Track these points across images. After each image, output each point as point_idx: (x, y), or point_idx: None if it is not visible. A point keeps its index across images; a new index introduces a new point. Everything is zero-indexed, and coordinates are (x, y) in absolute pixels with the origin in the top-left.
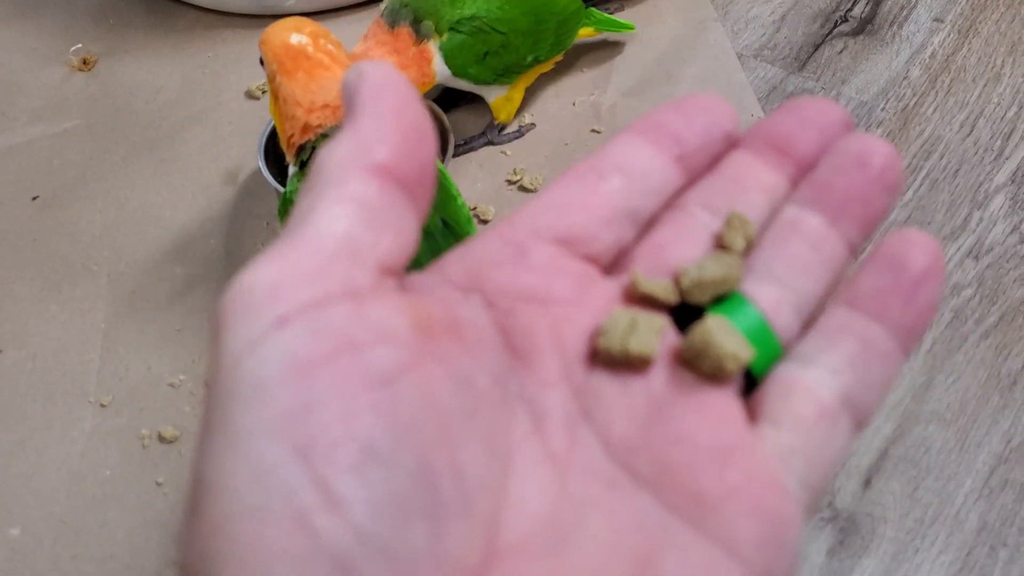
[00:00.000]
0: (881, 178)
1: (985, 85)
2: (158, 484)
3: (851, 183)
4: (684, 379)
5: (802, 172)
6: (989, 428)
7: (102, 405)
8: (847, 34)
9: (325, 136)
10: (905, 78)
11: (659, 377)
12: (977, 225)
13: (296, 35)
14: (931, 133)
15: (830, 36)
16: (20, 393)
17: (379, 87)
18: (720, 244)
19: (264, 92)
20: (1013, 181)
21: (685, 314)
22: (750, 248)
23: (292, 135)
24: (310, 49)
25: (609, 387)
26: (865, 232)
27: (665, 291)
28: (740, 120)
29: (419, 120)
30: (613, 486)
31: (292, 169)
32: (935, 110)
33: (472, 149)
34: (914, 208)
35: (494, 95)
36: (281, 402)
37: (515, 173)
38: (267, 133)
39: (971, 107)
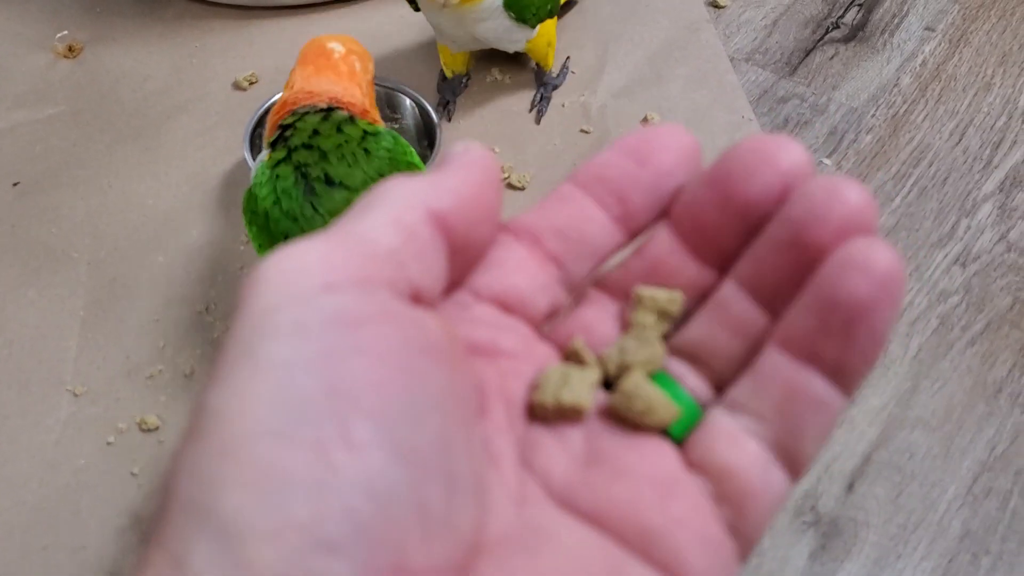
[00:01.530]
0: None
1: (975, 94)
2: (133, 475)
3: (788, 267)
4: (617, 428)
5: (725, 258)
6: (974, 435)
7: (75, 395)
8: (838, 40)
9: (296, 114)
10: (896, 85)
11: (593, 427)
12: (965, 233)
13: (335, 44)
14: (920, 141)
15: (822, 42)
16: None
17: (475, 159)
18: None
19: (251, 84)
20: (1001, 190)
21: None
22: (669, 318)
23: (275, 114)
24: (335, 56)
25: (546, 438)
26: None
27: (595, 362)
28: (700, 155)
29: (494, 200)
30: (560, 524)
31: (263, 153)
32: (925, 118)
33: (547, 100)
34: (902, 215)
35: (524, 42)
36: (321, 343)
37: (503, 171)
38: (253, 124)
39: (961, 116)
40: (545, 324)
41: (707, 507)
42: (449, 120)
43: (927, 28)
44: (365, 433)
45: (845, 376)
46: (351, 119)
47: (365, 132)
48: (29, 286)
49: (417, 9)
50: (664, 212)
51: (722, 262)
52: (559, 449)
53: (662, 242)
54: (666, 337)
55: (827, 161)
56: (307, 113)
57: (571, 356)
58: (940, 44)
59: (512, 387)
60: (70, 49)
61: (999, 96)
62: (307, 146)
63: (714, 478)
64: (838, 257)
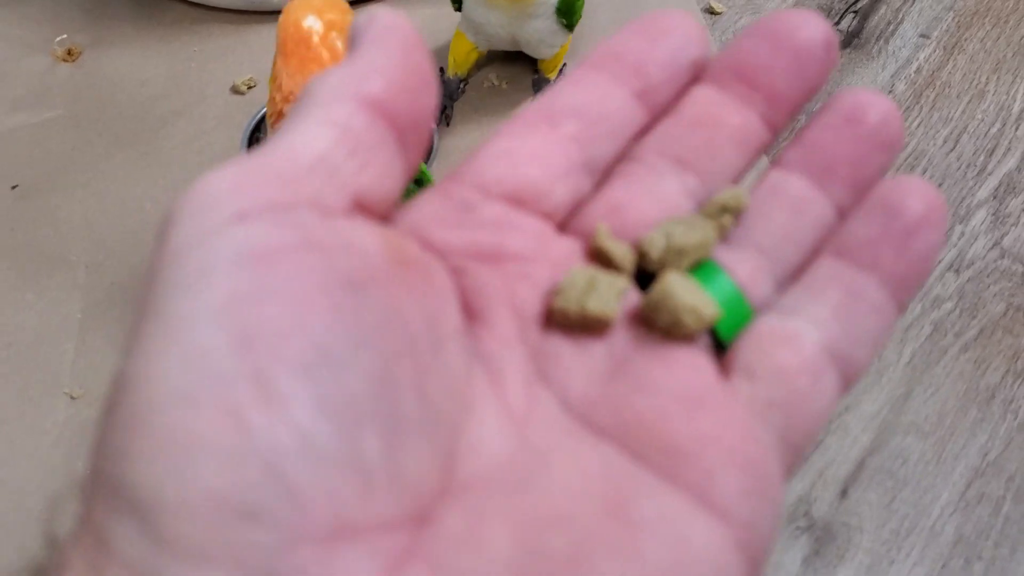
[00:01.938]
0: (875, 135)
1: (969, 101)
2: None
3: (840, 142)
4: (646, 338)
5: (776, 106)
6: (967, 441)
7: (73, 398)
8: None
9: None
10: (890, 92)
11: (620, 337)
12: (959, 239)
13: (311, 19)
14: (915, 147)
15: None
16: None
17: (388, 28)
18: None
19: (249, 88)
20: (995, 197)
21: (650, 281)
22: (730, 217)
23: (271, 117)
24: (315, 39)
25: (566, 350)
26: (857, 194)
27: (624, 256)
28: (709, 39)
29: (423, 65)
30: (575, 438)
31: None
32: (919, 125)
33: None
34: None
35: (558, 47)
36: (228, 287)
37: None
38: (251, 128)
39: (955, 123)
40: (572, 214)
41: (745, 422)
42: (448, 125)
43: (922, 35)
44: (283, 386)
45: (900, 286)
46: None
47: None
48: (27, 289)
49: (459, 8)
50: (684, 88)
51: (772, 112)
52: (580, 361)
53: (702, 96)
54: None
55: None
56: None
57: (596, 251)
58: (935, 51)
59: (523, 293)
60: (69, 53)
61: (993, 103)
62: None
63: (764, 382)
64: (894, 180)
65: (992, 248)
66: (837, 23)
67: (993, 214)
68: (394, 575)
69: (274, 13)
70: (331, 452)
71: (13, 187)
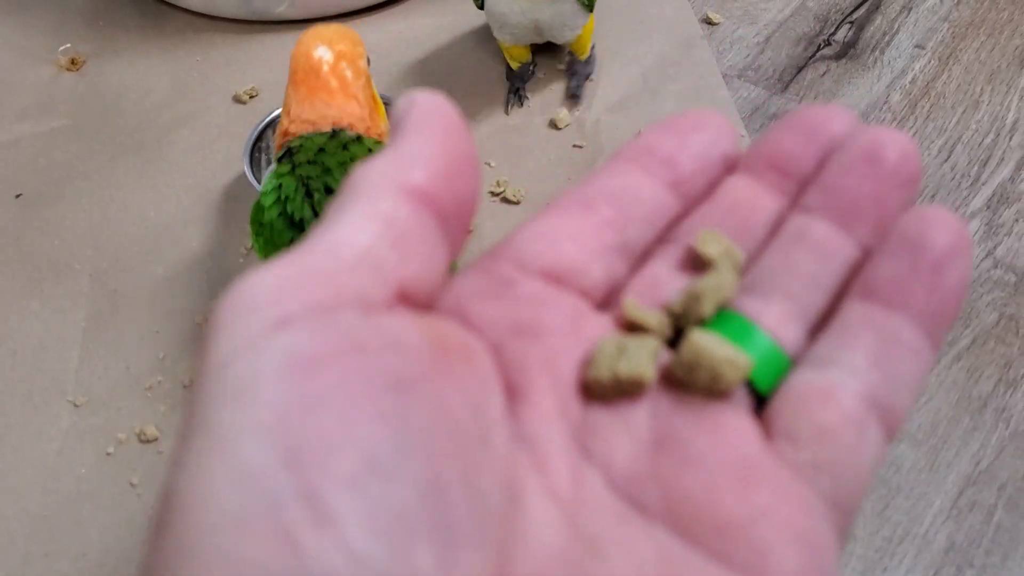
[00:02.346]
0: (895, 174)
1: (964, 112)
2: (132, 485)
3: (861, 183)
4: (685, 400)
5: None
6: (959, 449)
7: (76, 405)
8: (830, 57)
9: (301, 138)
10: (885, 102)
11: (659, 403)
12: None
13: (322, 50)
14: None
15: (813, 59)
16: None
17: (429, 112)
18: (697, 261)
19: (252, 97)
20: (988, 207)
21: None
22: (732, 259)
23: (278, 136)
24: (325, 69)
25: (606, 419)
26: (881, 233)
27: (658, 322)
28: (739, 138)
29: (467, 150)
30: (625, 521)
31: (271, 166)
32: (914, 135)
33: (581, 88)
34: None
35: (580, 29)
36: (274, 400)
37: (498, 185)
38: (254, 138)
39: (949, 133)
40: (607, 296)
41: (795, 491)
42: (521, 105)
43: (917, 46)
44: (334, 503)
45: (933, 324)
46: (358, 139)
47: (370, 150)
48: (32, 297)
49: (481, 7)
50: (715, 181)
51: (801, 191)
52: (622, 431)
53: (735, 184)
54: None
55: None
56: (313, 135)
57: (630, 324)
58: (930, 62)
59: (563, 367)
60: (72, 62)
61: (987, 114)
62: (311, 162)
63: (808, 444)
64: (915, 213)
65: (985, 258)
66: (833, 33)
67: (986, 224)
68: None
69: (276, 23)
70: (386, 571)
71: (17, 196)
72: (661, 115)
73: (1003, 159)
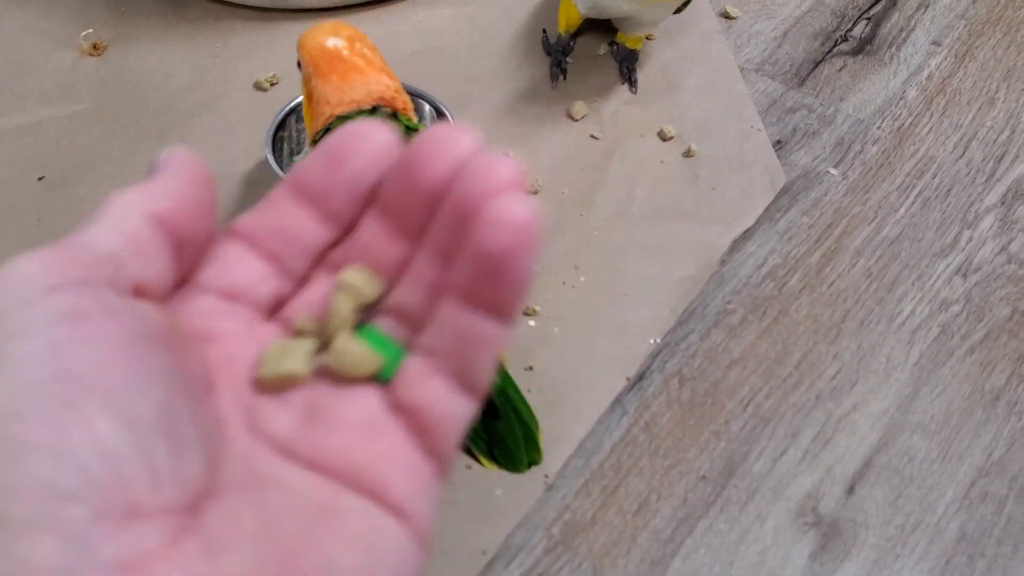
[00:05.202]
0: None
1: (979, 108)
2: None
3: (411, 199)
4: (333, 385)
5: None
6: (971, 441)
7: None
8: (847, 53)
9: (341, 118)
10: (902, 98)
11: (315, 388)
12: (967, 244)
13: (333, 39)
14: (925, 153)
15: (830, 54)
16: None
17: (183, 163)
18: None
19: (272, 85)
20: (1003, 203)
21: None
22: (364, 297)
23: (316, 130)
24: (345, 52)
25: (270, 405)
26: (458, 244)
27: (316, 328)
28: (395, 150)
29: (207, 195)
30: (283, 471)
31: (305, 148)
32: (930, 131)
33: (634, 72)
34: (906, 226)
35: (665, 18)
36: (47, 339)
37: None
38: (276, 124)
39: (965, 129)
40: (277, 309)
41: (406, 440)
42: (564, 79)
43: (933, 43)
44: (92, 407)
45: (502, 310)
46: (393, 115)
47: (407, 127)
48: None
49: None
50: (368, 201)
51: (418, 236)
52: (282, 412)
53: (368, 227)
54: (372, 305)
55: (833, 171)
56: (351, 113)
57: (298, 332)
58: (946, 59)
59: (237, 366)
60: (95, 47)
61: (1003, 111)
62: None
63: (411, 414)
64: (484, 215)
65: (999, 253)
66: (850, 29)
67: (1001, 220)
68: (173, 543)
69: (297, 11)
70: (127, 456)
71: (40, 178)
72: (678, 108)
73: (1018, 156)
